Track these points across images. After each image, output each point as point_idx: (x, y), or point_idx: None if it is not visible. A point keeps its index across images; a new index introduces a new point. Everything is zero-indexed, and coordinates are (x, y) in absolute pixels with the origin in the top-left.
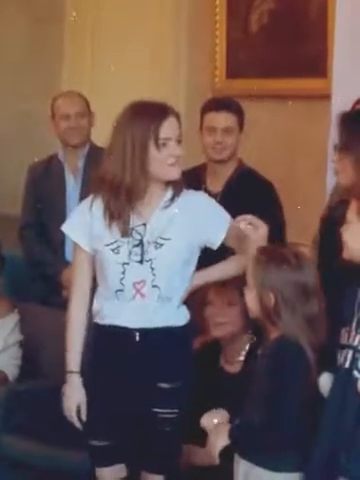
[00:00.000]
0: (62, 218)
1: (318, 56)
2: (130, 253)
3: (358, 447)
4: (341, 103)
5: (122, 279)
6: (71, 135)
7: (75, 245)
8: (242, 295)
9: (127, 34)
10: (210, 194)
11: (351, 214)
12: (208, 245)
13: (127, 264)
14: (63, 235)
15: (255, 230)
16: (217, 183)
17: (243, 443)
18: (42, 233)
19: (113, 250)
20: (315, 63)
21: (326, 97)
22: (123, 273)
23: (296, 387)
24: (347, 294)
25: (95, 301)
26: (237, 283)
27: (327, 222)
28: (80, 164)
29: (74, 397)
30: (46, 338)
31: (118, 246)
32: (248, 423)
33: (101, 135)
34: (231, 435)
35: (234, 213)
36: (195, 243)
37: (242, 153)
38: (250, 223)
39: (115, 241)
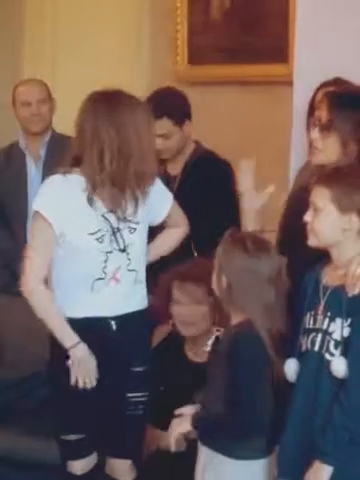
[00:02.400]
0: (24, 206)
1: (280, 42)
2: (111, 241)
3: (333, 428)
4: (303, 89)
5: (105, 268)
6: (33, 122)
7: (41, 226)
8: (210, 294)
9: (89, 20)
10: (170, 177)
11: (322, 201)
12: (150, 223)
13: (110, 253)
14: (25, 223)
15: None
16: (176, 166)
17: (205, 431)
18: (3, 221)
19: (98, 239)
20: (277, 49)
21: (288, 83)
22: (105, 261)
23: (252, 374)
24: (307, 279)
25: (60, 293)
26: (204, 280)
27: (293, 206)
28: (42, 151)
29: (92, 362)
30: (9, 328)
31: (102, 235)
32: (209, 411)
33: (63, 122)
34: (194, 423)
35: (193, 194)
36: (148, 223)
37: (204, 138)
38: None
39: (99, 229)
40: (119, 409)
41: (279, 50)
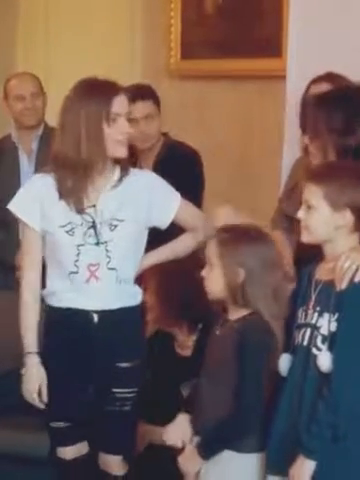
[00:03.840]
0: None
1: (273, 36)
2: (85, 235)
3: (317, 424)
4: (296, 83)
5: (76, 261)
6: (27, 116)
7: (24, 225)
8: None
9: (82, 14)
10: None
11: (315, 199)
12: (157, 225)
13: (82, 246)
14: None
15: None
16: (149, 160)
17: (213, 448)
18: None
19: (68, 232)
20: (270, 43)
21: (281, 77)
22: (77, 255)
23: (262, 370)
24: (302, 274)
25: (48, 283)
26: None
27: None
28: (34, 145)
29: (34, 378)
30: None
31: (72, 228)
32: (209, 416)
33: (56, 117)
34: (201, 452)
35: None
36: (145, 223)
37: (196, 132)
38: None
39: (69, 222)
40: (105, 404)
41: (272, 44)
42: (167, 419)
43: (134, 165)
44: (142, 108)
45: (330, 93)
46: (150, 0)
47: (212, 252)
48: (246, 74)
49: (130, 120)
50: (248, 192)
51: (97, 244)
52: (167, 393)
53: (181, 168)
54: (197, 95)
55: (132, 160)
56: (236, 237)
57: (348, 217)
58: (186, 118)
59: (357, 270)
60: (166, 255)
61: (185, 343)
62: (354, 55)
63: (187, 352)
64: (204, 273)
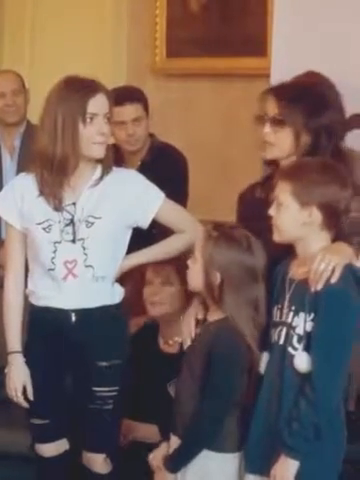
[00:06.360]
0: None
1: (258, 35)
2: (62, 232)
3: (300, 423)
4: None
5: (53, 258)
6: (8, 113)
7: (6, 223)
8: (180, 275)
9: (68, 11)
10: None
11: (284, 195)
12: (138, 224)
13: (59, 243)
14: None
15: None
16: (134, 161)
17: (181, 459)
18: None
19: (44, 229)
20: (255, 42)
21: (266, 76)
22: (54, 252)
23: (232, 374)
24: (276, 272)
25: (29, 281)
26: (175, 263)
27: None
28: (16, 143)
29: (19, 377)
30: None
31: (50, 225)
32: (183, 410)
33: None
34: (168, 466)
35: None
36: (124, 222)
37: (182, 132)
38: None
39: (46, 220)
40: (86, 402)
41: (257, 43)
42: (152, 416)
43: (119, 166)
44: (130, 111)
45: (292, 83)
46: None
47: (198, 246)
48: (231, 73)
49: (118, 123)
50: (232, 191)
51: (73, 241)
52: (152, 391)
53: (166, 170)
54: (182, 93)
55: (118, 162)
56: (222, 239)
57: (315, 214)
58: (171, 116)
59: (332, 272)
60: (149, 257)
61: (172, 340)
62: (338, 54)
63: (173, 349)
64: (189, 263)
